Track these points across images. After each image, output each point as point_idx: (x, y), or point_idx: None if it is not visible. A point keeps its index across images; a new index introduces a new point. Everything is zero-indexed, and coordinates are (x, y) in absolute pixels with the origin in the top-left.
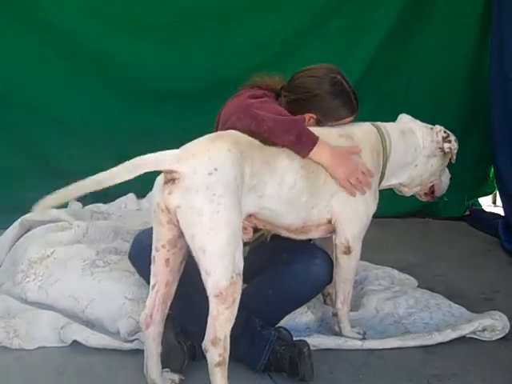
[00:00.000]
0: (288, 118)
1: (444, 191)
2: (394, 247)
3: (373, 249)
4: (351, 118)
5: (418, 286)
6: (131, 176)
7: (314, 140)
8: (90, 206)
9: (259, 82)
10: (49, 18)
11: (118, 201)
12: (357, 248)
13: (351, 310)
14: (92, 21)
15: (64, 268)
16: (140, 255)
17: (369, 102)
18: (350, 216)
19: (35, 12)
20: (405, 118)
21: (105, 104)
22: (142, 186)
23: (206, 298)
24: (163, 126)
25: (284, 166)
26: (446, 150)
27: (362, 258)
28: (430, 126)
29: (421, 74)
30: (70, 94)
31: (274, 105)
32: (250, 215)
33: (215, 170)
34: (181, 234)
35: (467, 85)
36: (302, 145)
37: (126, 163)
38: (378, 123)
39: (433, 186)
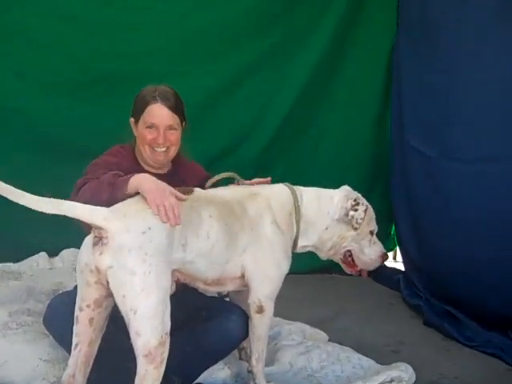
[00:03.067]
0: (97, 180)
1: (369, 266)
2: (303, 303)
3: (285, 305)
4: (158, 104)
5: (328, 340)
6: (57, 211)
7: (127, 178)
8: (0, 266)
9: None
10: None
11: (29, 259)
12: (269, 307)
13: (266, 365)
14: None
15: None
16: (55, 321)
17: (280, 164)
18: (261, 276)
19: None
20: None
21: (24, 163)
22: (54, 244)
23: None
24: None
25: (205, 220)
26: (349, 217)
27: (275, 315)
28: (354, 196)
29: (327, 138)
30: None
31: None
32: (173, 270)
33: (149, 229)
34: (108, 294)
35: (370, 148)
36: (119, 188)
37: (61, 200)
38: (295, 186)
39: (350, 254)
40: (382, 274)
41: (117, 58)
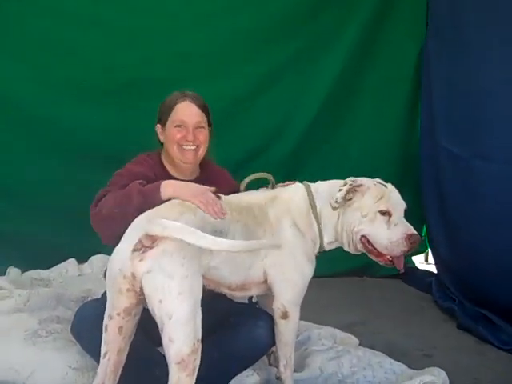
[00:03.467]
0: (123, 190)
1: (393, 250)
2: (333, 307)
3: (313, 309)
4: (187, 102)
5: (359, 345)
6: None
7: (156, 186)
8: (30, 273)
9: None
10: None
11: (58, 266)
12: (294, 313)
13: (296, 371)
14: (36, 88)
15: (5, 338)
16: (82, 329)
17: (307, 168)
18: (283, 281)
19: None
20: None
21: (52, 170)
22: (82, 251)
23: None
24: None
25: (231, 225)
26: (334, 199)
27: (303, 319)
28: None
29: (355, 141)
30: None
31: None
32: None
33: None
34: (138, 302)
35: (399, 150)
36: (150, 196)
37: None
38: (312, 183)
39: (366, 239)
40: (413, 276)
41: (143, 65)
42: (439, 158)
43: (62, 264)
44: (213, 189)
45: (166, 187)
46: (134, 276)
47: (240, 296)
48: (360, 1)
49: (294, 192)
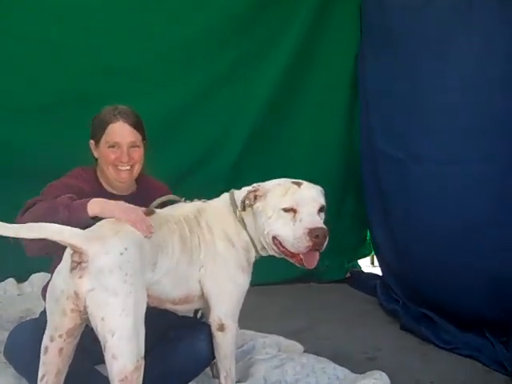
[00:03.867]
0: (51, 201)
1: (298, 247)
2: (280, 314)
3: (260, 317)
4: (120, 122)
5: (304, 351)
6: (32, 235)
7: (84, 202)
8: None
9: None
10: None
11: None
12: (231, 325)
13: (239, 382)
14: None
15: None
16: (18, 352)
17: (251, 176)
18: (218, 293)
19: None
20: None
21: None
22: (22, 270)
23: None
24: None
25: (169, 238)
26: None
27: (249, 328)
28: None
29: (297, 148)
30: None
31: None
32: None
33: (125, 249)
34: (83, 321)
35: (341, 155)
36: (76, 212)
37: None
38: (235, 190)
39: (278, 240)
40: (358, 279)
41: (78, 78)
42: (378, 161)
43: (1, 284)
44: (143, 209)
45: (94, 204)
46: (77, 294)
47: (184, 310)
48: (296, 10)
49: (219, 201)
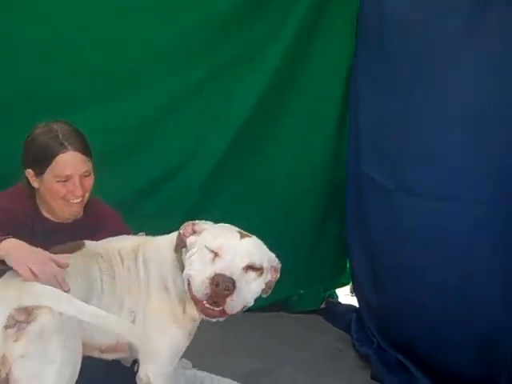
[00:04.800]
0: None
1: (199, 293)
2: (240, 350)
3: (218, 352)
4: (70, 152)
5: None
6: None
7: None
8: None
9: None
10: None
11: None
12: None
13: None
14: None
15: None
16: None
17: (227, 190)
18: (146, 347)
19: None
20: None
21: None
22: None
23: None
24: None
25: (98, 278)
26: None
27: (203, 364)
28: None
29: (278, 166)
30: None
31: None
32: None
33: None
34: None
35: (325, 177)
36: None
37: None
38: None
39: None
40: (333, 311)
41: (41, 79)
42: (363, 186)
43: None
44: (56, 258)
45: (4, 245)
46: (4, 359)
47: (113, 358)
48: (286, 17)
49: (166, 237)
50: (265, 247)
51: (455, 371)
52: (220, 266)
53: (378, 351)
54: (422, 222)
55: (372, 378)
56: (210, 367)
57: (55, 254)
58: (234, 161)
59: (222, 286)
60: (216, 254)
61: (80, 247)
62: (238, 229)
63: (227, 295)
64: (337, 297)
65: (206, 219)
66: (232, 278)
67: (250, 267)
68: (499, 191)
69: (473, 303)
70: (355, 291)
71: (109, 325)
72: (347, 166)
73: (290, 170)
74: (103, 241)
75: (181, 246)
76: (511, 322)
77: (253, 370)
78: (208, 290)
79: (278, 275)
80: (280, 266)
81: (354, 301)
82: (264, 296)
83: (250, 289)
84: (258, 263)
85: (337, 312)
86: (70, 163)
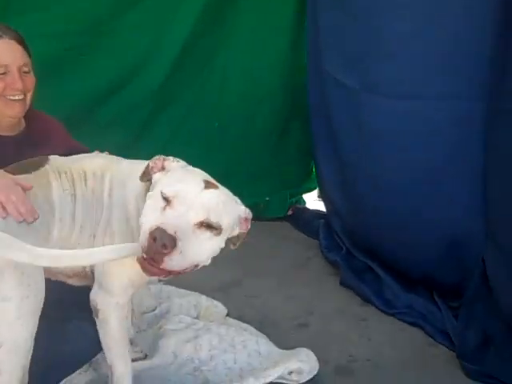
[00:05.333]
0: None
1: (141, 236)
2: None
3: None
4: (6, 40)
5: (227, 315)
6: None
7: None
8: None
9: None
10: None
11: None
12: (108, 314)
13: (146, 356)
14: None
15: None
16: None
17: (181, 99)
18: (101, 272)
19: None
20: None
21: None
22: None
23: None
24: None
25: (62, 199)
26: None
27: (167, 280)
28: None
29: (234, 69)
30: None
31: None
32: None
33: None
34: None
35: (285, 78)
36: None
37: None
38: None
39: None
40: (301, 217)
41: None
42: (326, 86)
43: None
44: (29, 185)
45: None
46: None
47: (80, 284)
48: None
49: (138, 163)
50: (231, 201)
51: (425, 275)
52: (165, 219)
53: (346, 257)
54: (386, 123)
55: (341, 284)
56: (180, 282)
57: (13, 173)
58: (187, 68)
59: (159, 243)
60: (168, 203)
61: (42, 164)
62: (207, 177)
63: (165, 254)
64: (304, 203)
65: (162, 127)
66: (173, 236)
67: (204, 224)
68: (461, 86)
69: (440, 206)
70: (322, 196)
71: (66, 263)
72: (308, 66)
73: (246, 73)
74: (69, 157)
75: (146, 178)
76: (480, 224)
77: (221, 283)
78: (145, 244)
79: (249, 226)
80: (251, 215)
81: (322, 206)
82: (232, 248)
83: (202, 248)
84: (214, 222)
85: (304, 218)
86: (7, 52)
